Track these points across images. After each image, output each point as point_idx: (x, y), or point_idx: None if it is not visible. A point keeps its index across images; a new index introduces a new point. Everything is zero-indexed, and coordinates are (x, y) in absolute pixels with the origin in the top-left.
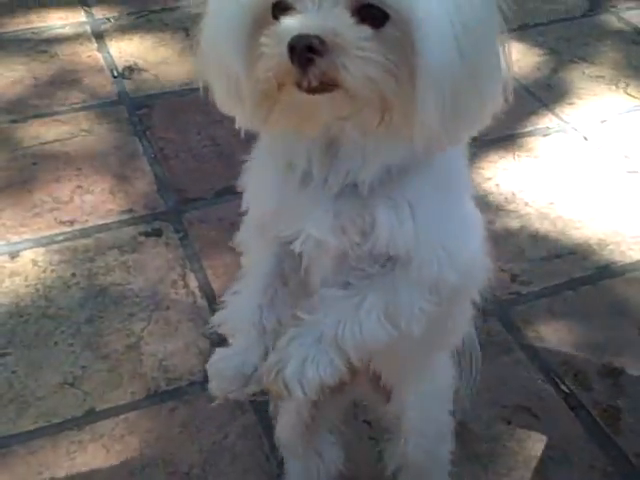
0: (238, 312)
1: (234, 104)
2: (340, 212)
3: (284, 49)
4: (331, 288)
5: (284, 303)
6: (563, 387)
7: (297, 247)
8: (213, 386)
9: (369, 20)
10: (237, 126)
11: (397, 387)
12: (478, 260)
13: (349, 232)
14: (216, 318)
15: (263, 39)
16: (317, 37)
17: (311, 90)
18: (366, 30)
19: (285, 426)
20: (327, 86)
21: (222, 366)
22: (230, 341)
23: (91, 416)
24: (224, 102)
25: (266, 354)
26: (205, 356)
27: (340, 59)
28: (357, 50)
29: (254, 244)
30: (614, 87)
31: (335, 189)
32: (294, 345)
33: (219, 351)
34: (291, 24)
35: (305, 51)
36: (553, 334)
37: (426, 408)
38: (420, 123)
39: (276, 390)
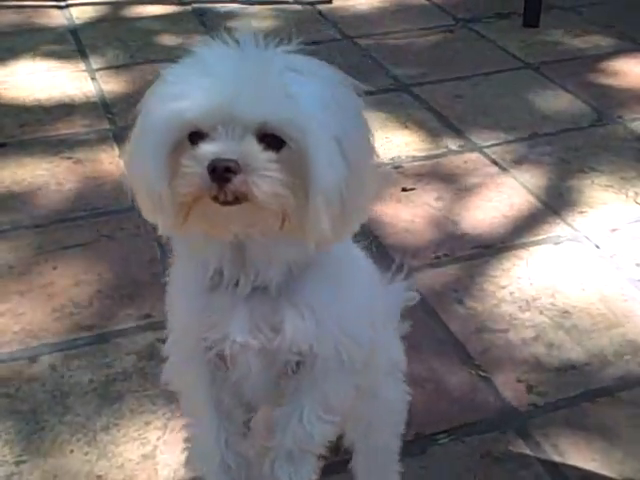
0: (202, 455)
1: (156, 213)
2: (253, 313)
3: (204, 170)
4: (278, 408)
5: (235, 434)
6: None
7: (226, 351)
8: None
9: (271, 145)
10: (159, 232)
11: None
12: (380, 330)
13: (263, 330)
14: (187, 460)
15: (184, 161)
16: (233, 160)
17: (225, 203)
18: (270, 154)
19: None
20: (238, 200)
21: None
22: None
23: None
24: (147, 211)
25: None
26: None
27: (251, 178)
28: (264, 170)
29: (184, 373)
30: (624, 196)
31: (246, 290)
32: (278, 470)
33: None
34: (210, 149)
35: (224, 171)
36: (572, 447)
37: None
38: (313, 227)
39: None
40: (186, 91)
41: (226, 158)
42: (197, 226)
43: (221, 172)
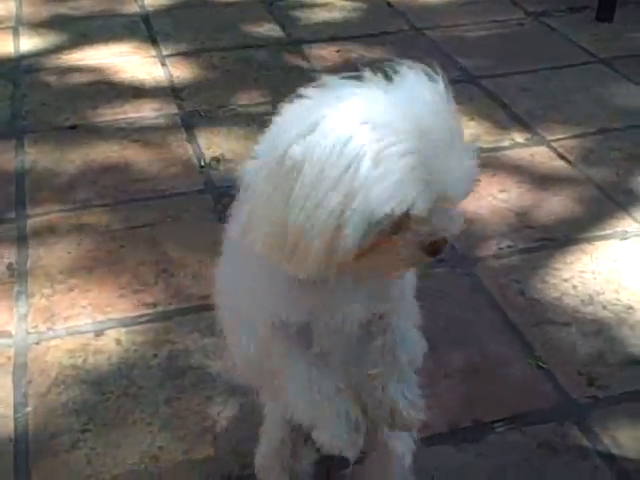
0: (312, 403)
1: (281, 257)
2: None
3: (420, 249)
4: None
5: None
6: None
7: (313, 330)
8: None
9: None
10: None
11: None
12: None
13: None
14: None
15: (401, 242)
16: (445, 238)
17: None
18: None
19: (265, 453)
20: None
21: None
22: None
23: None
24: (268, 251)
25: None
26: None
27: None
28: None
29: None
30: None
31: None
32: (392, 390)
33: None
34: (426, 229)
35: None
36: (632, 441)
37: None
38: None
39: (404, 424)
40: (403, 185)
41: (440, 238)
42: (346, 273)
43: (438, 249)
